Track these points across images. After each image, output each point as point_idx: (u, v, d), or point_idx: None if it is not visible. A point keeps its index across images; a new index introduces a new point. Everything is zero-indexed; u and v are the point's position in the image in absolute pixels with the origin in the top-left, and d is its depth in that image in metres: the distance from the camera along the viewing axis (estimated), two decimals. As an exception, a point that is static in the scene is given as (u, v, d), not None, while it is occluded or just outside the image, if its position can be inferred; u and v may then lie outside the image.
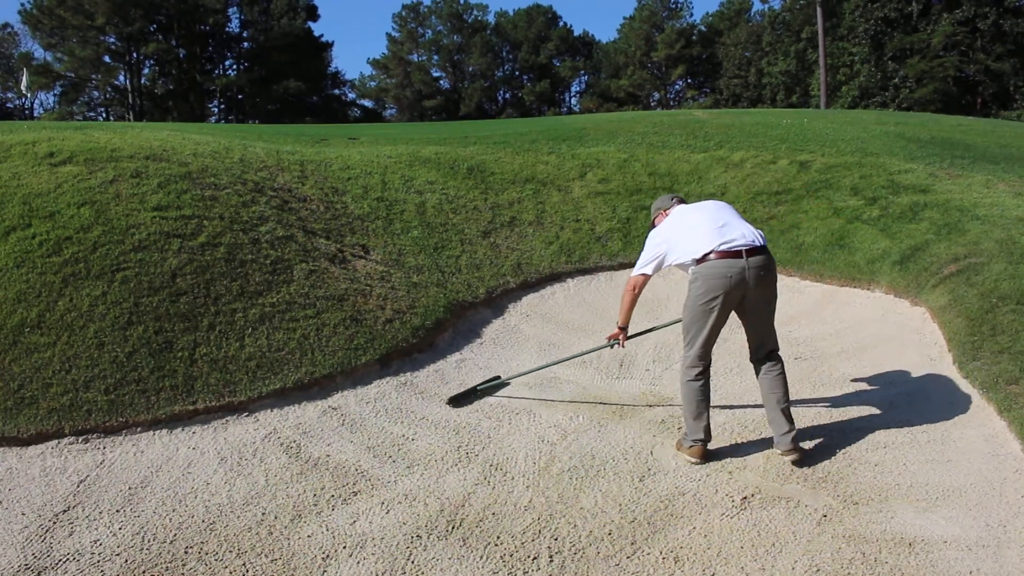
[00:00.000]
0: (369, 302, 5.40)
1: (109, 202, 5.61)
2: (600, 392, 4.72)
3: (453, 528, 3.18)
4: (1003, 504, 3.17)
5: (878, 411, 4.21)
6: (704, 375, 3.68)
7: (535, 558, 2.96)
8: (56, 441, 3.80)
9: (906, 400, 4.35)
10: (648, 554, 2.97)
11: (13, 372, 4.09)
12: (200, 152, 7.10)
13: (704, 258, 3.56)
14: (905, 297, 5.84)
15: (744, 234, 3.58)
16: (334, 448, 3.92)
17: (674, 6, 57.38)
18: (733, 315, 3.69)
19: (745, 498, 3.33)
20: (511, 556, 2.98)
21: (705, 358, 3.67)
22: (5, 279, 4.68)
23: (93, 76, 47.33)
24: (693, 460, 3.68)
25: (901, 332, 5.39)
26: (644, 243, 3.96)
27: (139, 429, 3.97)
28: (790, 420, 3.60)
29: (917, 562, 2.83)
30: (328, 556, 3.00)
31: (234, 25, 52.30)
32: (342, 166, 7.88)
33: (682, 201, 4.11)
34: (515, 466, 3.73)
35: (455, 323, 5.66)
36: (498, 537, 3.11)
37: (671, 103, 57.20)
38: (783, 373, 3.69)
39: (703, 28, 57.12)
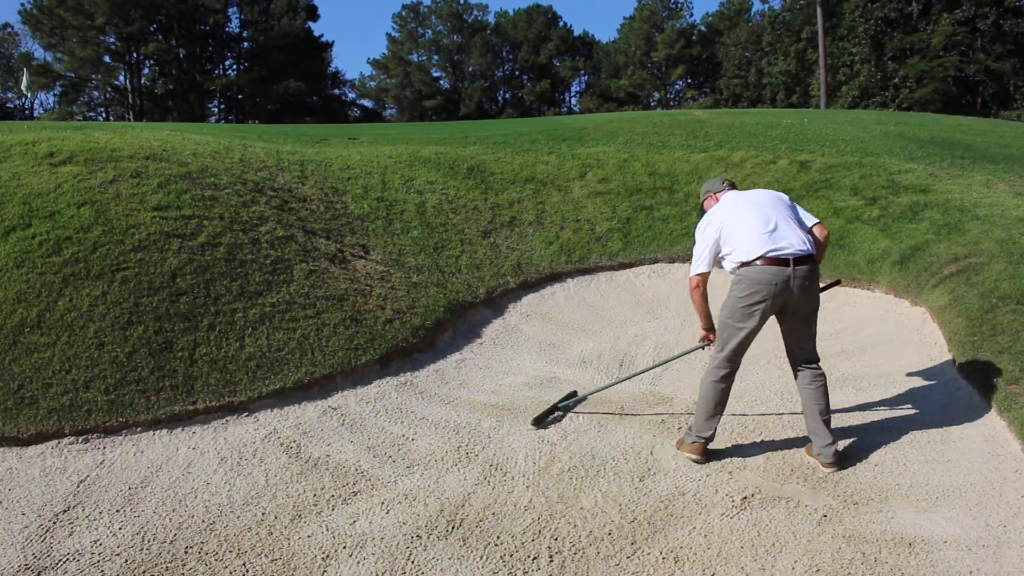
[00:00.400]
0: (369, 302, 5.40)
1: (109, 202, 5.61)
2: (600, 392, 4.72)
3: (453, 528, 3.18)
4: (1003, 504, 3.17)
5: (878, 411, 4.22)
6: (730, 379, 3.62)
7: (535, 558, 2.96)
8: (56, 441, 3.80)
9: (906, 400, 4.35)
10: (648, 554, 2.96)
11: (13, 372, 4.09)
12: (200, 152, 7.10)
13: (750, 263, 3.49)
14: (905, 297, 5.84)
15: (792, 242, 3.49)
16: (334, 448, 3.92)
17: (674, 6, 57.39)
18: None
19: (745, 498, 3.33)
20: (511, 556, 2.98)
21: (735, 361, 3.61)
22: (5, 279, 4.68)
23: (93, 76, 47.33)
24: (693, 457, 3.65)
25: (901, 332, 5.39)
26: (694, 230, 3.83)
27: (139, 429, 3.97)
28: (832, 432, 3.56)
29: (917, 562, 2.83)
30: (328, 556, 3.00)
31: (234, 25, 52.36)
32: (342, 166, 7.88)
33: (733, 186, 4.01)
34: (515, 466, 3.72)
35: (455, 323, 5.66)
36: (498, 537, 3.11)
37: (671, 103, 57.19)
38: (825, 385, 3.62)
39: (703, 28, 57.12)
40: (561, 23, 63.01)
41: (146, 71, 49.77)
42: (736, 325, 3.54)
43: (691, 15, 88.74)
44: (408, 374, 4.89)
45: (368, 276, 5.80)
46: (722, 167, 8.67)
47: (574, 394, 4.56)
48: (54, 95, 49.78)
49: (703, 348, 4.07)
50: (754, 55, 48.64)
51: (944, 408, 4.18)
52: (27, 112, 47.69)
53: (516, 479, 3.59)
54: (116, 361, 4.28)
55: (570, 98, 66.45)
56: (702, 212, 4.05)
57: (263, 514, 3.30)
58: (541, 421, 4.24)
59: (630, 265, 7.01)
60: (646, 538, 3.07)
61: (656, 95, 58.27)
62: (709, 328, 3.87)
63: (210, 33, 50.64)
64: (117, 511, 3.31)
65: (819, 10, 33.65)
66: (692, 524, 3.16)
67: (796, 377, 3.69)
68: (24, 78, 26.97)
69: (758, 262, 3.46)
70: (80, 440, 3.83)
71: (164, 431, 3.99)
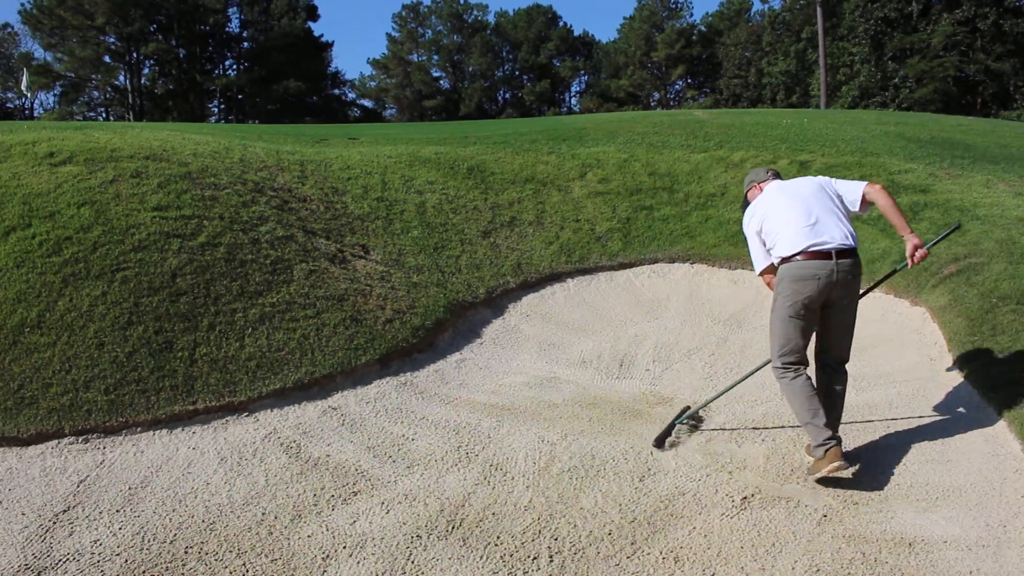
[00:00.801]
0: (369, 302, 5.40)
1: (109, 202, 5.61)
2: (600, 392, 4.72)
3: (453, 528, 3.18)
4: (1003, 504, 3.17)
5: (878, 411, 4.22)
6: (799, 371, 3.47)
7: (535, 558, 2.96)
8: (56, 441, 3.80)
9: (906, 400, 4.35)
10: (648, 554, 2.97)
11: (13, 372, 4.09)
12: (200, 152, 7.10)
13: (791, 257, 3.45)
14: (905, 297, 5.84)
15: (834, 235, 3.42)
16: (334, 448, 3.92)
17: (674, 6, 57.39)
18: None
19: (745, 498, 3.33)
20: (511, 556, 2.98)
21: (796, 360, 3.47)
22: (5, 279, 4.68)
23: (93, 76, 47.33)
24: (834, 465, 3.25)
25: (901, 332, 5.39)
26: (741, 221, 3.78)
27: (139, 429, 3.97)
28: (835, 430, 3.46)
29: (917, 562, 2.83)
30: (328, 556, 3.00)
31: (234, 25, 52.36)
32: (342, 166, 7.88)
33: (777, 175, 3.95)
34: (515, 466, 3.72)
35: (455, 323, 5.66)
36: (498, 537, 3.11)
37: (671, 103, 57.19)
38: (844, 392, 3.57)
39: (703, 28, 57.12)
40: (561, 23, 63.03)
41: (146, 71, 49.81)
42: (785, 325, 3.47)
43: (691, 15, 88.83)
44: (408, 374, 4.89)
45: (368, 276, 5.80)
46: (722, 167, 8.67)
47: (687, 408, 4.31)
48: (54, 95, 49.82)
49: None
50: (754, 55, 48.64)
51: (944, 408, 4.18)
52: (27, 112, 47.70)
53: (516, 479, 3.59)
54: (116, 361, 4.28)
55: (570, 98, 66.51)
56: (746, 203, 4.00)
57: (263, 514, 3.30)
58: (662, 440, 3.96)
59: (630, 265, 7.01)
60: (646, 538, 3.07)
61: (656, 95, 58.27)
62: None
63: (210, 33, 50.65)
64: (117, 511, 3.31)
65: (819, 10, 33.65)
66: (692, 524, 3.16)
67: (819, 373, 3.59)
68: (24, 78, 26.98)
69: (799, 257, 3.42)
70: (80, 440, 3.83)
71: (164, 431, 3.99)
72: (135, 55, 47.54)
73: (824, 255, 3.39)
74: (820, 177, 3.76)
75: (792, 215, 3.53)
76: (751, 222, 3.74)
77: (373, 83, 61.90)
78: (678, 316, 6.12)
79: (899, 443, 3.79)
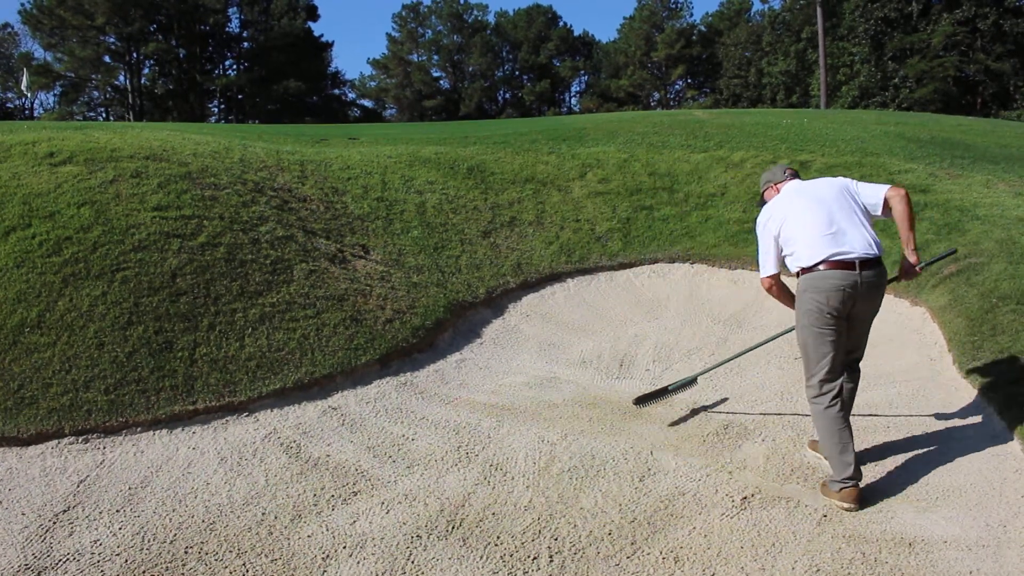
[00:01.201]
0: (369, 302, 5.40)
1: (109, 202, 5.61)
2: (600, 392, 4.72)
3: (453, 528, 3.18)
4: (1003, 504, 3.17)
5: (878, 411, 4.21)
6: (838, 398, 3.27)
7: (535, 558, 2.96)
8: (56, 441, 3.80)
9: (906, 400, 4.35)
10: (648, 554, 2.96)
11: (13, 372, 4.09)
12: (200, 152, 7.10)
13: (812, 268, 3.27)
14: (905, 297, 5.84)
15: (857, 244, 3.24)
16: (334, 448, 3.92)
17: (674, 6, 57.39)
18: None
19: (745, 498, 3.33)
20: (511, 556, 2.98)
21: (835, 379, 3.29)
22: (5, 279, 4.68)
23: (93, 76, 47.32)
24: (846, 506, 3.17)
25: (901, 332, 5.39)
26: (755, 224, 3.62)
27: (139, 429, 3.97)
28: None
29: (917, 562, 2.83)
30: (328, 556, 3.00)
31: (234, 25, 52.36)
32: (342, 166, 7.88)
33: (795, 175, 3.76)
34: (515, 466, 3.72)
35: (455, 323, 5.66)
36: (498, 537, 3.11)
37: (671, 103, 57.19)
38: (856, 387, 3.46)
39: (703, 28, 57.12)
40: (561, 23, 63.04)
41: (146, 71, 49.80)
42: (816, 340, 3.29)
43: (691, 15, 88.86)
44: (408, 374, 4.89)
45: (368, 276, 5.80)
46: (722, 167, 8.67)
47: (687, 379, 4.42)
48: (54, 95, 49.81)
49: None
50: (754, 55, 48.64)
51: (944, 408, 4.18)
52: (27, 112, 47.71)
53: (516, 479, 3.59)
54: (116, 361, 4.28)
55: (570, 98, 66.51)
56: (762, 203, 3.83)
57: (263, 514, 3.30)
58: (643, 401, 4.21)
59: (630, 265, 7.01)
60: (646, 538, 3.07)
61: (656, 95, 58.27)
62: None
63: (210, 33, 50.64)
64: (117, 511, 3.31)
65: (819, 10, 33.65)
66: (692, 524, 3.16)
67: None
68: (24, 78, 26.98)
69: (821, 267, 3.24)
70: (80, 440, 3.83)
71: (164, 431, 3.99)
72: (135, 55, 47.54)
73: (847, 265, 3.21)
74: (842, 179, 3.57)
75: (812, 221, 3.34)
76: (768, 224, 3.52)
77: (373, 83, 61.93)
78: (678, 316, 6.12)
79: (899, 443, 3.79)
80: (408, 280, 5.93)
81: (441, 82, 61.33)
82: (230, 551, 3.04)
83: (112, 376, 4.18)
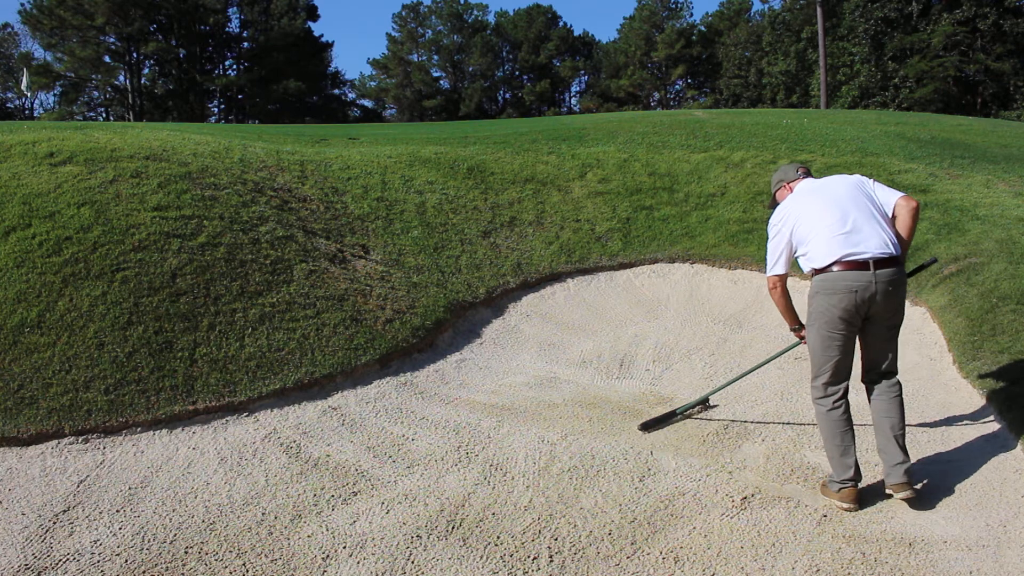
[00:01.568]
0: (369, 302, 5.40)
1: (109, 202, 5.61)
2: (600, 392, 4.72)
3: (453, 528, 3.18)
4: (1003, 504, 3.17)
5: (878, 411, 4.21)
6: (843, 400, 3.23)
7: (535, 558, 2.96)
8: (56, 441, 3.80)
9: (906, 400, 4.31)
10: (648, 554, 2.96)
11: (13, 372, 4.09)
12: (200, 152, 7.10)
13: (826, 268, 3.18)
14: (905, 297, 5.84)
15: (872, 244, 3.13)
16: (334, 448, 3.92)
17: (674, 6, 57.39)
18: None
19: (745, 498, 3.33)
20: (511, 556, 2.98)
21: (839, 382, 3.24)
22: (5, 279, 4.68)
23: (93, 76, 47.31)
24: (845, 506, 3.17)
25: (901, 332, 5.38)
26: (767, 224, 3.53)
27: (139, 429, 3.97)
28: (905, 450, 3.15)
29: (917, 562, 2.83)
30: (328, 556, 3.00)
31: (234, 25, 52.34)
32: (342, 166, 7.88)
33: (808, 173, 3.65)
34: (515, 466, 3.72)
35: (455, 323, 5.66)
36: (498, 537, 3.11)
37: (671, 103, 57.20)
38: (900, 396, 3.26)
39: (703, 28, 57.12)
40: (561, 23, 63.04)
41: (146, 71, 49.78)
42: (824, 343, 3.21)
43: (691, 15, 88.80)
44: (408, 374, 4.89)
45: (368, 276, 5.80)
46: (722, 167, 8.67)
47: (706, 400, 4.29)
48: (54, 95, 49.80)
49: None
50: (754, 55, 48.63)
51: (944, 408, 4.18)
52: (27, 112, 47.72)
53: (516, 479, 3.59)
54: (116, 361, 4.28)
55: (570, 98, 66.49)
56: (774, 203, 3.76)
57: (263, 514, 3.30)
58: (649, 427, 3.98)
59: (630, 265, 7.01)
60: (646, 538, 3.07)
61: (656, 95, 58.28)
62: (798, 326, 3.57)
63: (210, 33, 50.63)
64: (117, 511, 3.31)
65: (819, 10, 33.65)
66: (692, 524, 3.16)
67: (868, 389, 3.36)
68: (24, 78, 26.98)
69: (834, 267, 3.14)
70: (80, 440, 3.83)
71: (164, 431, 3.99)
72: (135, 55, 47.52)
73: (861, 265, 3.11)
74: (857, 176, 3.47)
75: (826, 220, 3.24)
76: (780, 227, 3.43)
77: (373, 83, 61.91)
78: (678, 316, 6.12)
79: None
80: (408, 280, 5.93)
81: (441, 82, 61.33)
82: (230, 551, 3.04)
83: (112, 376, 4.18)
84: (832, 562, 2.85)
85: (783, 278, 3.46)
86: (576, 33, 63.43)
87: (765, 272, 3.53)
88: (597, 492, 3.44)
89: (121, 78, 48.41)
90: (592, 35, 69.57)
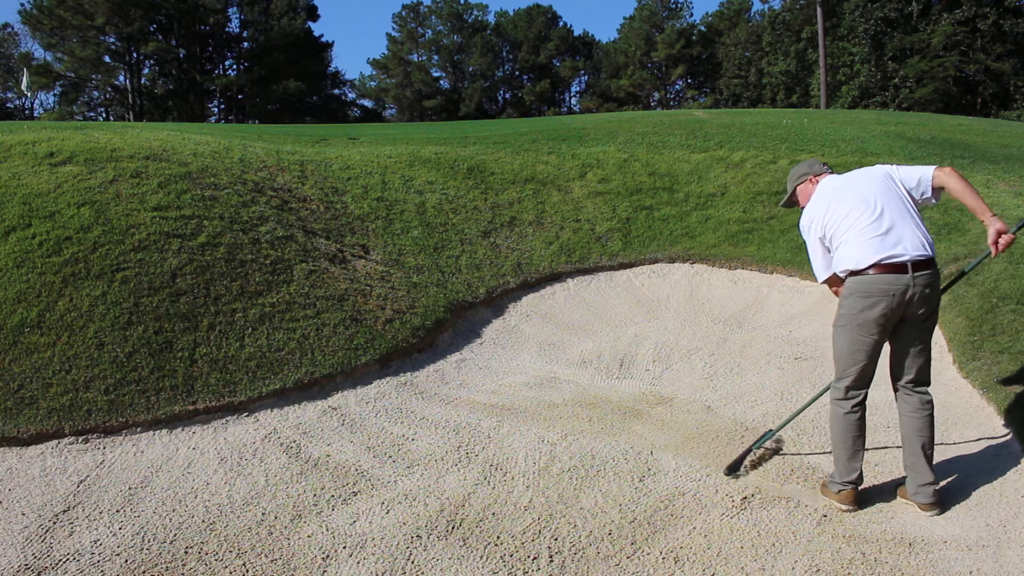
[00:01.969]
0: (369, 302, 5.40)
1: (109, 202, 5.61)
2: (600, 392, 4.72)
3: (453, 528, 3.18)
4: (1003, 504, 3.17)
5: (878, 411, 4.21)
6: (861, 407, 3.17)
7: (535, 558, 2.96)
8: (56, 441, 3.80)
9: (906, 400, 4.34)
10: (648, 554, 2.96)
11: (13, 372, 4.09)
12: (200, 152, 7.10)
13: (861, 271, 3.07)
14: (905, 297, 5.84)
15: (907, 246, 3.03)
16: (334, 448, 3.92)
17: (674, 6, 57.41)
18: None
19: (745, 498, 3.33)
20: (511, 556, 2.98)
21: (862, 387, 3.18)
22: (5, 279, 4.68)
23: (93, 76, 47.32)
24: (843, 507, 3.18)
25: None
26: (799, 223, 3.44)
27: (139, 429, 3.97)
28: (934, 470, 3.12)
29: (917, 562, 2.83)
30: (328, 556, 3.00)
31: (234, 25, 52.36)
32: (342, 166, 7.88)
33: (830, 169, 3.57)
34: (515, 466, 3.72)
35: (455, 323, 5.66)
36: (498, 537, 3.11)
37: (671, 103, 57.21)
38: (932, 414, 3.16)
39: (703, 28, 57.14)
40: (561, 23, 63.06)
41: (146, 71, 49.79)
42: (853, 346, 3.11)
43: (691, 15, 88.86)
44: (408, 374, 4.89)
45: (368, 276, 5.80)
46: (722, 167, 8.67)
47: (769, 432, 3.92)
48: (54, 95, 49.81)
49: None
50: (754, 55, 48.64)
51: (944, 408, 4.18)
52: (27, 112, 47.72)
53: (516, 479, 3.59)
54: (116, 361, 4.28)
55: (570, 98, 66.51)
56: (791, 200, 3.68)
57: (263, 514, 3.30)
58: (735, 468, 3.61)
59: (630, 265, 7.01)
60: (646, 538, 3.07)
61: (656, 95, 58.29)
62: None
63: (210, 33, 50.64)
64: (117, 511, 3.31)
65: (819, 10, 33.67)
66: (692, 524, 3.16)
67: (898, 400, 3.26)
68: (24, 78, 26.98)
69: (871, 271, 3.04)
70: (80, 440, 3.83)
71: (164, 431, 3.99)
72: (135, 55, 47.53)
73: (899, 268, 3.00)
74: (881, 167, 3.35)
75: (860, 220, 3.13)
76: (812, 227, 3.34)
77: (373, 83, 61.92)
78: (678, 316, 6.12)
79: (898, 443, 3.78)
80: (408, 280, 5.93)
81: (441, 82, 61.35)
82: (230, 551, 3.04)
83: (112, 376, 4.18)
84: (832, 562, 2.85)
85: (830, 280, 3.40)
86: (576, 33, 63.51)
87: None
88: (597, 492, 3.44)
89: (121, 78, 48.43)
90: (592, 35, 69.66)
